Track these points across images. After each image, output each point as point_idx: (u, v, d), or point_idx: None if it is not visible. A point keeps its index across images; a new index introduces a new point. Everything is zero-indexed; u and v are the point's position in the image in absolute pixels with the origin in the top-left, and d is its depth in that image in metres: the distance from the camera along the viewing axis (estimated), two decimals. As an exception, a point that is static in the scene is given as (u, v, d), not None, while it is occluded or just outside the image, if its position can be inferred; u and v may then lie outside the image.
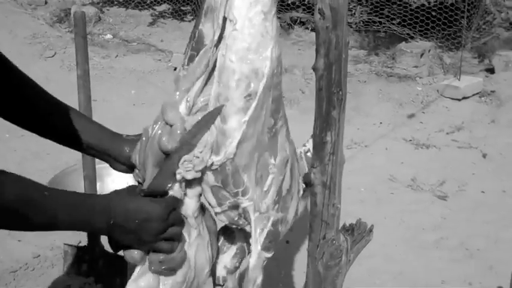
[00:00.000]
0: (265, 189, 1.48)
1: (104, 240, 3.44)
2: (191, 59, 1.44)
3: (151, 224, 1.35)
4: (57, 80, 6.61)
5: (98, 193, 3.37)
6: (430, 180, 4.77)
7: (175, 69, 6.22)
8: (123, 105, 6.08)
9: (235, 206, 1.45)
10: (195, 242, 1.46)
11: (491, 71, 6.84)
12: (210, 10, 1.43)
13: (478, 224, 4.25)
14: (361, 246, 1.87)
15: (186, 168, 1.38)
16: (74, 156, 4.42)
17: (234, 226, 1.50)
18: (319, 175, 1.65)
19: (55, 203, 1.28)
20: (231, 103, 1.37)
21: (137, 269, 1.46)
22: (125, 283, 1.46)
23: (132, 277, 1.46)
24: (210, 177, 1.41)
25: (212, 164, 1.41)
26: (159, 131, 1.43)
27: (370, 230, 1.88)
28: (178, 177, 1.39)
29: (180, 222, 1.41)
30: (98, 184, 3.38)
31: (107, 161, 1.60)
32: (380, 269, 3.75)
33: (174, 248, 1.41)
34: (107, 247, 3.38)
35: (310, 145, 1.73)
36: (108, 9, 8.84)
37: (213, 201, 1.44)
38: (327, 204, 1.69)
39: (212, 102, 1.40)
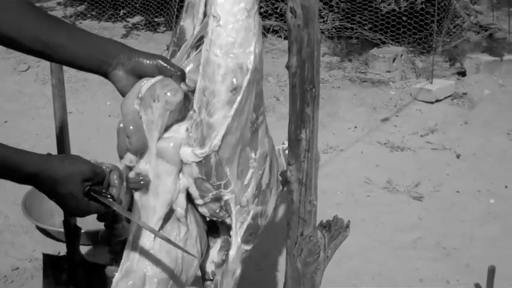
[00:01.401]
0: (245, 183, 1.51)
1: (84, 249, 3.44)
2: (173, 55, 1.47)
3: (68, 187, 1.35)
4: (31, 94, 6.61)
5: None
6: (405, 181, 4.82)
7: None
8: (98, 117, 6.07)
9: (217, 199, 1.48)
10: (183, 238, 1.49)
11: (462, 73, 6.93)
12: (190, 6, 1.47)
13: (454, 223, 4.31)
14: (338, 242, 1.90)
15: None
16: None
17: (214, 218, 1.53)
18: (295, 172, 1.67)
19: None
20: (217, 97, 1.40)
21: (120, 269, 1.48)
22: (106, 291, 1.49)
23: (116, 277, 1.47)
24: (194, 169, 1.44)
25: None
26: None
27: (347, 226, 1.91)
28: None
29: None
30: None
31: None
32: (359, 270, 3.78)
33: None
34: (87, 256, 3.40)
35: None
36: (81, 22, 8.83)
37: (196, 194, 1.47)
38: (304, 201, 1.72)
39: (197, 95, 1.41)
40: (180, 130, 1.44)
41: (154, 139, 1.41)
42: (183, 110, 1.44)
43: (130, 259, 1.47)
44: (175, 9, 7.65)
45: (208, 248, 1.60)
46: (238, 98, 1.41)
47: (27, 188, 4.27)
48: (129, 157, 1.42)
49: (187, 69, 1.46)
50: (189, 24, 1.49)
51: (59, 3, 9.56)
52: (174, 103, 1.40)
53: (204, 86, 1.40)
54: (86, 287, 3.31)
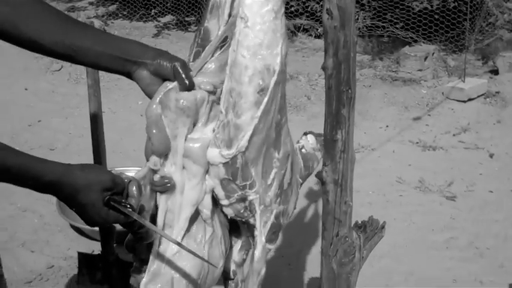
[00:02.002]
0: (269, 182, 1.52)
1: (118, 248, 3.47)
2: (197, 55, 1.48)
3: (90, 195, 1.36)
4: (64, 93, 6.68)
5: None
6: (438, 181, 4.80)
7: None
8: (130, 116, 6.12)
9: (242, 199, 1.49)
10: (209, 239, 1.50)
11: (495, 72, 6.87)
12: (215, 7, 1.48)
13: (487, 223, 4.28)
14: (373, 243, 1.90)
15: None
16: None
17: (238, 219, 1.54)
18: (330, 173, 1.68)
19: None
20: (244, 98, 1.40)
21: (147, 272, 1.49)
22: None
23: (144, 281, 1.49)
24: (221, 170, 1.45)
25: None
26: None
27: (383, 227, 1.91)
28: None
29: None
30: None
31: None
32: (391, 269, 3.78)
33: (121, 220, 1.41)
34: (121, 255, 3.44)
35: (304, 142, 1.77)
36: (112, 22, 8.90)
37: (222, 194, 1.48)
38: (339, 201, 1.73)
39: (224, 96, 1.42)
40: (206, 131, 1.46)
41: (178, 139, 1.43)
42: (200, 111, 1.45)
43: (157, 262, 1.48)
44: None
45: (230, 247, 1.62)
46: (265, 99, 1.42)
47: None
48: (153, 159, 1.44)
49: (208, 70, 1.47)
50: (214, 25, 1.49)
51: (90, 3, 9.65)
52: (188, 103, 1.41)
53: (231, 87, 1.42)
54: (120, 286, 3.34)
